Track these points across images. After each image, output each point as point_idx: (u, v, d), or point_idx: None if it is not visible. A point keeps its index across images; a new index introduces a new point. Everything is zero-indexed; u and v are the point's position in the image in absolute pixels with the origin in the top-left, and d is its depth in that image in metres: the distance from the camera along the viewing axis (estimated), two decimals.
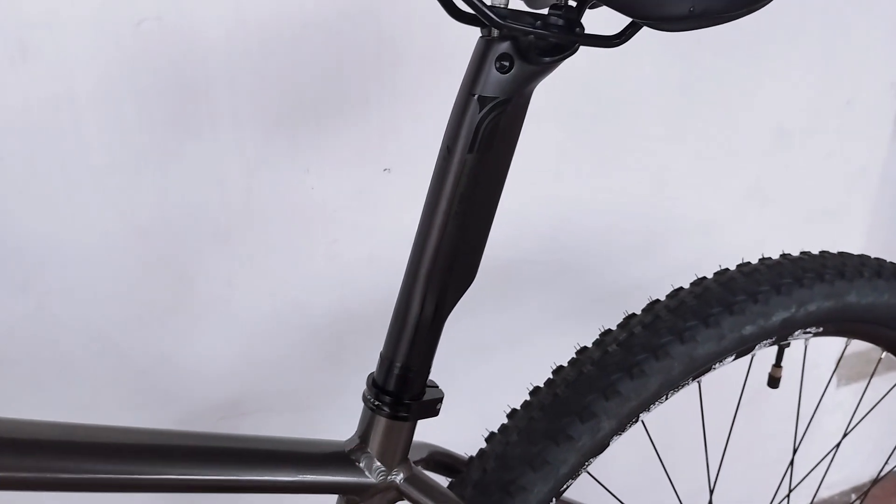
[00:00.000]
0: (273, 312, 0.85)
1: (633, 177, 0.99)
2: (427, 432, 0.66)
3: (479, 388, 0.98)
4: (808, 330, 0.64)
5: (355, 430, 0.52)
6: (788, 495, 0.80)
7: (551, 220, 0.97)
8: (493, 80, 0.44)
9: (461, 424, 0.75)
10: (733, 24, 0.44)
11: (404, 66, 0.81)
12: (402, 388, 0.50)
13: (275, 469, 0.48)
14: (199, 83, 0.73)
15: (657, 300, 0.63)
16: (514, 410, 0.60)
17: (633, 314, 0.62)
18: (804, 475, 0.82)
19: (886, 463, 0.91)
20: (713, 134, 1.02)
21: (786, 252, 0.67)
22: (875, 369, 0.81)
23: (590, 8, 0.44)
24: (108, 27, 0.67)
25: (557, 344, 0.71)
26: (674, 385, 0.60)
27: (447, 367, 1.02)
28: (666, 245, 1.06)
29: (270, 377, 0.88)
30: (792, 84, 1.04)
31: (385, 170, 0.84)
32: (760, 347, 0.63)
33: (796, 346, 0.70)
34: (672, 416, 0.80)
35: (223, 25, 0.71)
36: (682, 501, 0.79)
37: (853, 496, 1.47)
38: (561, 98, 0.89)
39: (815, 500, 1.43)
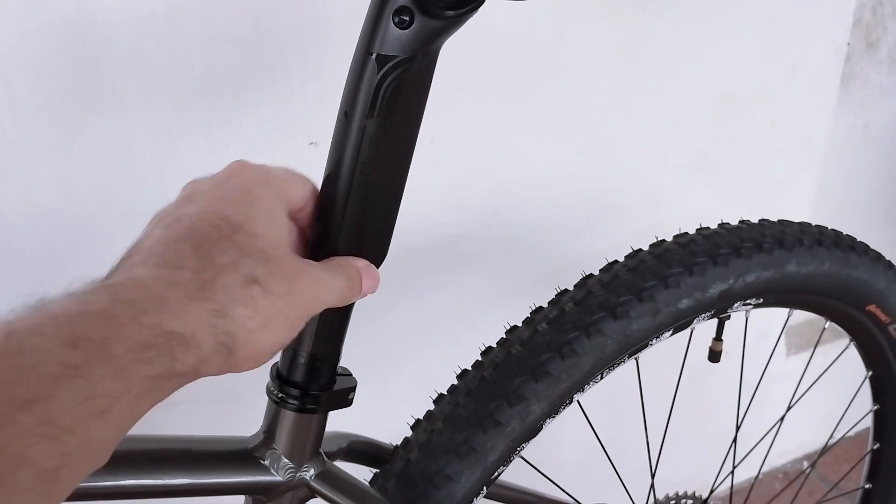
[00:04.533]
0: None
1: (576, 148, 0.96)
2: (369, 420, 0.62)
3: (424, 372, 0.94)
4: (747, 302, 0.62)
5: (260, 425, 0.48)
6: (732, 472, 0.78)
7: (493, 194, 0.94)
8: (392, 36, 0.40)
9: (405, 411, 0.71)
10: None
11: (327, 31, 0.76)
12: (309, 378, 0.46)
13: (170, 471, 0.44)
14: (99, 52, 0.67)
15: (591, 274, 0.59)
16: (440, 395, 0.57)
17: (566, 290, 0.59)
18: (748, 450, 0.80)
19: (836, 429, 0.91)
20: (657, 103, 0.99)
21: (724, 221, 0.64)
22: (819, 339, 0.80)
23: None
24: None
25: (504, 322, 0.68)
26: (608, 363, 0.57)
27: (390, 352, 0.98)
28: (613, 218, 1.03)
29: None
30: (737, 50, 1.01)
31: (312, 143, 0.79)
32: (699, 321, 0.61)
33: (738, 318, 0.68)
34: (622, 392, 0.77)
35: None
36: (632, 478, 0.77)
37: (805, 463, 1.48)
38: (498, 66, 0.85)
39: (769, 469, 1.44)
